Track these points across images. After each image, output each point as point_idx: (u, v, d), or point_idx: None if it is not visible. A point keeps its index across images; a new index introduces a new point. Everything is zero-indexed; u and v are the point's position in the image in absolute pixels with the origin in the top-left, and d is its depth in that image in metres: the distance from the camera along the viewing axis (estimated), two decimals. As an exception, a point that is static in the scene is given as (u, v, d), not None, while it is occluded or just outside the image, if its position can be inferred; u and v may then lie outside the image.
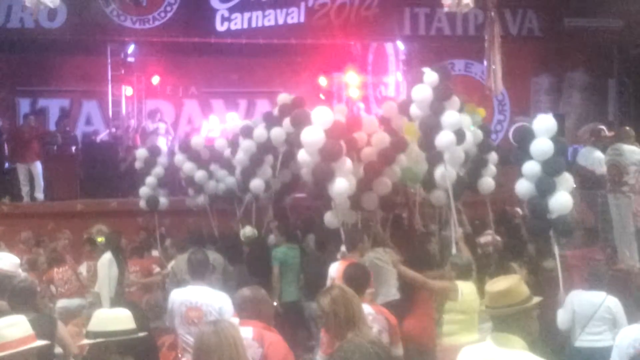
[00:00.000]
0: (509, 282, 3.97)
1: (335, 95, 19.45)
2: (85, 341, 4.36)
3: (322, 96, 18.49)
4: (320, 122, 8.28)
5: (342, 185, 8.24)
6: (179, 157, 11.93)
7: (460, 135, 8.52)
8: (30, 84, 18.18)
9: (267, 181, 10.91)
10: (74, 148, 16.06)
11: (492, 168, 9.81)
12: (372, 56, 19.45)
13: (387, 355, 4.69)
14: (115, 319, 4.49)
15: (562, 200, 7.69)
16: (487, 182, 9.72)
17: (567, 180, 7.81)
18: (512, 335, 3.85)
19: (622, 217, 9.65)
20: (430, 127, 8.49)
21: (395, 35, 17.64)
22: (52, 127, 17.08)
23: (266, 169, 10.87)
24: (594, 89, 17.50)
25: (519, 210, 11.37)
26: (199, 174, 11.75)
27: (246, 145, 10.87)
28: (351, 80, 18.94)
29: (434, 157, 8.62)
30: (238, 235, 10.49)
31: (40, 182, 14.64)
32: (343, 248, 8.15)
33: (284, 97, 10.60)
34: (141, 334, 4.52)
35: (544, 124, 7.82)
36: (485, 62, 15.13)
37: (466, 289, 7.21)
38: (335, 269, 7.68)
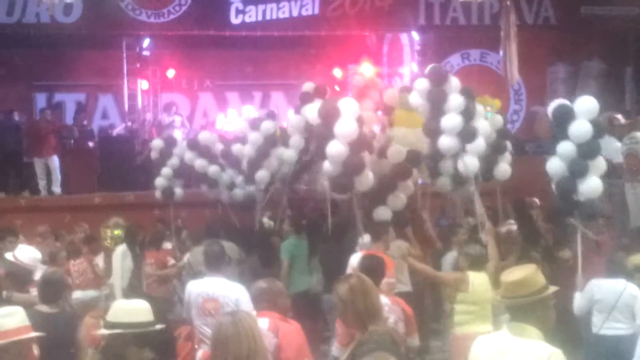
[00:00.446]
0: (525, 272, 3.95)
1: (351, 87, 19.40)
2: (103, 331, 4.37)
3: (337, 88, 18.45)
4: (350, 113, 8.32)
5: (369, 178, 8.31)
6: (189, 155, 11.91)
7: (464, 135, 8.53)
8: (47, 78, 18.27)
9: (272, 173, 10.97)
10: (90, 142, 16.14)
11: (507, 155, 9.75)
12: (387, 47, 19.37)
13: (404, 347, 4.70)
14: (133, 310, 4.45)
15: (593, 184, 7.63)
16: (504, 169, 9.65)
17: (600, 165, 7.73)
18: (528, 325, 3.85)
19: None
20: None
21: (410, 25, 17.59)
22: (68, 121, 17.16)
23: (272, 161, 10.92)
24: (610, 78, 17.35)
25: (536, 200, 11.32)
26: (212, 169, 11.72)
27: (253, 138, 10.92)
28: (366, 71, 18.89)
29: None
30: (254, 227, 10.52)
31: (57, 176, 14.73)
32: (366, 239, 8.18)
33: (308, 86, 10.63)
34: (158, 327, 4.54)
35: (585, 106, 7.70)
36: (501, 52, 15.08)
37: (477, 279, 7.18)
38: (356, 260, 7.68)
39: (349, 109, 8.38)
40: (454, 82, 8.68)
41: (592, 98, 7.87)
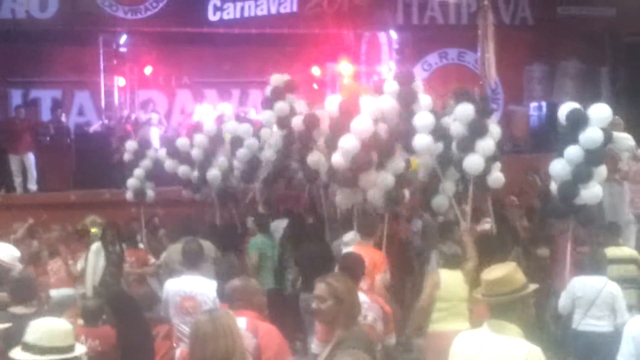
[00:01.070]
0: (505, 270, 3.98)
1: (329, 85, 19.40)
2: (18, 354, 4.13)
3: (315, 86, 18.44)
4: (369, 111, 8.44)
5: (373, 178, 8.47)
6: (162, 154, 12.05)
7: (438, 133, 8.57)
8: (22, 74, 18.05)
9: (224, 172, 11.23)
10: (66, 139, 15.99)
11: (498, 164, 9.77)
12: (365, 46, 19.39)
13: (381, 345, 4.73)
14: (52, 333, 4.04)
15: (595, 190, 7.77)
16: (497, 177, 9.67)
17: (602, 172, 7.85)
18: (507, 322, 3.87)
19: (615, 205, 9.66)
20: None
21: (388, 24, 17.64)
22: (44, 118, 16.99)
23: (221, 160, 11.25)
24: (586, 77, 17.51)
25: (514, 198, 11.38)
26: (182, 169, 11.71)
27: (199, 140, 11.34)
28: (344, 70, 18.90)
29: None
30: (234, 225, 10.51)
31: (33, 173, 14.62)
32: (349, 236, 8.19)
33: (277, 79, 10.78)
34: (78, 352, 4.10)
35: (600, 113, 7.78)
36: (478, 51, 15.16)
37: (449, 277, 7.27)
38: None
39: (368, 107, 8.52)
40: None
41: (606, 106, 7.97)
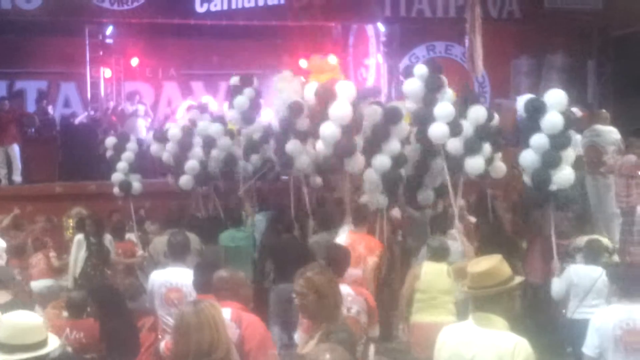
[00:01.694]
0: (491, 263, 3.97)
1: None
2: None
3: (302, 79, 18.39)
4: (346, 96, 8.48)
5: (359, 161, 8.62)
6: (155, 147, 11.99)
7: (454, 126, 8.57)
8: (7, 65, 17.90)
9: (201, 161, 11.29)
10: (52, 131, 15.90)
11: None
12: (353, 38, 19.39)
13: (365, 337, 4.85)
14: (20, 329, 3.84)
15: (566, 173, 7.88)
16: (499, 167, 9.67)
17: (570, 155, 7.96)
18: (493, 315, 3.87)
19: (601, 198, 9.71)
20: (423, 120, 8.59)
21: (376, 17, 17.59)
22: (30, 109, 16.87)
23: (197, 151, 11.28)
24: (573, 71, 17.57)
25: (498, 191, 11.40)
26: (166, 155, 11.80)
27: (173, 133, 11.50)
28: (332, 62, 18.86)
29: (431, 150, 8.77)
30: (218, 217, 10.49)
31: (18, 165, 14.53)
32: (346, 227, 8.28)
33: (235, 80, 11.07)
34: (52, 347, 3.93)
35: (555, 98, 7.91)
36: (466, 44, 15.16)
37: (429, 269, 7.42)
38: (343, 241, 7.74)
39: (344, 92, 8.58)
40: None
41: (561, 91, 8.08)
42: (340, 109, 8.47)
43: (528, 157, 7.97)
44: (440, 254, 7.50)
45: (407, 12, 17.54)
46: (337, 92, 8.62)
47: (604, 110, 10.55)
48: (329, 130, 8.52)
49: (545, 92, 8.11)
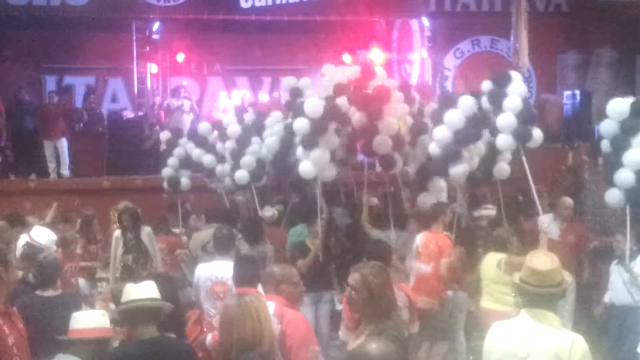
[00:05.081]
0: (556, 262, 3.92)
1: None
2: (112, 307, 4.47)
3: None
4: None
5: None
6: (190, 145, 11.71)
7: None
8: (56, 61, 18.26)
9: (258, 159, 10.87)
10: (99, 126, 16.15)
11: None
12: (397, 33, 19.26)
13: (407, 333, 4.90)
14: (138, 289, 4.60)
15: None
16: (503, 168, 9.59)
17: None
18: (548, 311, 3.85)
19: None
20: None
21: (421, 11, 17.50)
22: (78, 104, 17.16)
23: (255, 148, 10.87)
24: (621, 66, 17.21)
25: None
26: (207, 159, 11.38)
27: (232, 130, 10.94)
28: (376, 57, 18.79)
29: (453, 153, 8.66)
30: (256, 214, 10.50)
31: (65, 159, 14.78)
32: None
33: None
34: (163, 303, 4.61)
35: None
36: (511, 39, 15.01)
37: (487, 258, 7.79)
38: (419, 239, 7.97)
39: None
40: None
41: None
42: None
43: (622, 175, 7.48)
44: (499, 245, 7.71)
45: (452, 6, 17.42)
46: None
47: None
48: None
49: (594, 87, 7.95)
